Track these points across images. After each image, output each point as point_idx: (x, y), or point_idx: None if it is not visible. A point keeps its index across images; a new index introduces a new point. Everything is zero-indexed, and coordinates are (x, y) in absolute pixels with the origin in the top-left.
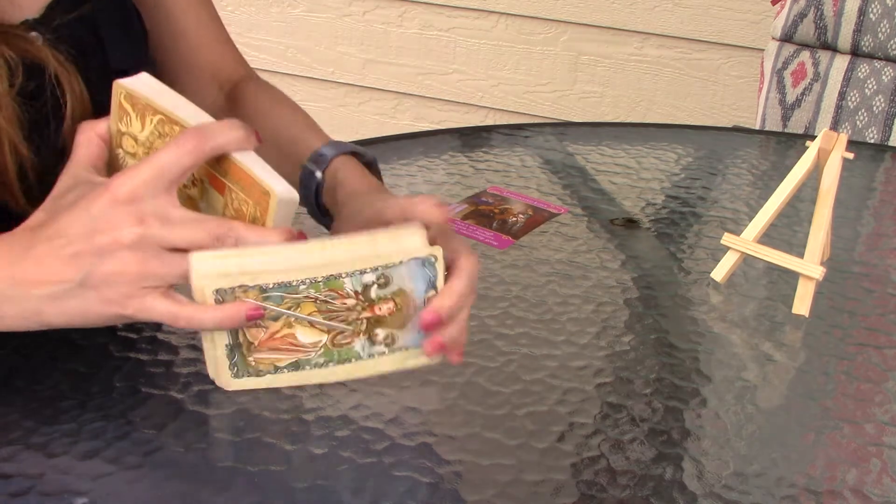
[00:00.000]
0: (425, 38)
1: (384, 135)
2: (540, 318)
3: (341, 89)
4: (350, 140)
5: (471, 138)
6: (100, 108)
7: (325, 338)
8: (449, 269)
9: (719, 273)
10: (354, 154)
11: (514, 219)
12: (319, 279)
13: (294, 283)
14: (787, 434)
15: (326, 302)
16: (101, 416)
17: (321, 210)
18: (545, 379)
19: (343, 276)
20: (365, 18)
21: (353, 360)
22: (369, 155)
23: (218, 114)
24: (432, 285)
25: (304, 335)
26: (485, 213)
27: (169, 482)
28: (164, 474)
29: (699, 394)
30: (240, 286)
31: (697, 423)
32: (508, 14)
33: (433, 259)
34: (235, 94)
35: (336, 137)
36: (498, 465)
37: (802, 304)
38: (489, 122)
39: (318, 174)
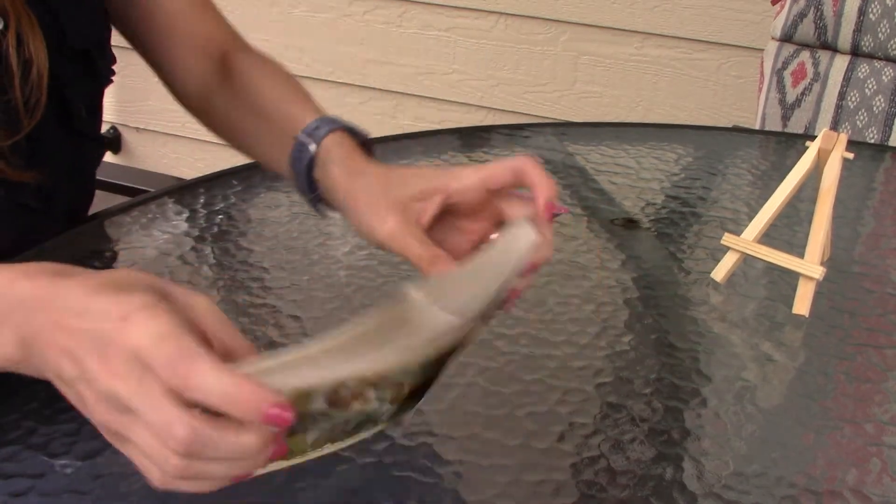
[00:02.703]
0: (425, 38)
1: (384, 135)
2: (540, 318)
3: (341, 89)
4: None
5: (470, 138)
6: (55, 83)
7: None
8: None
9: (719, 273)
10: (349, 131)
11: None
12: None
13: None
14: (787, 434)
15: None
16: None
17: (311, 185)
18: (545, 379)
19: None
20: (365, 18)
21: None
22: (362, 133)
23: (209, 86)
24: None
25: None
26: None
27: None
28: None
29: (699, 394)
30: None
31: (697, 423)
32: (508, 14)
33: None
34: (227, 64)
35: None
36: (498, 465)
37: (802, 304)
38: (489, 122)
39: (312, 147)
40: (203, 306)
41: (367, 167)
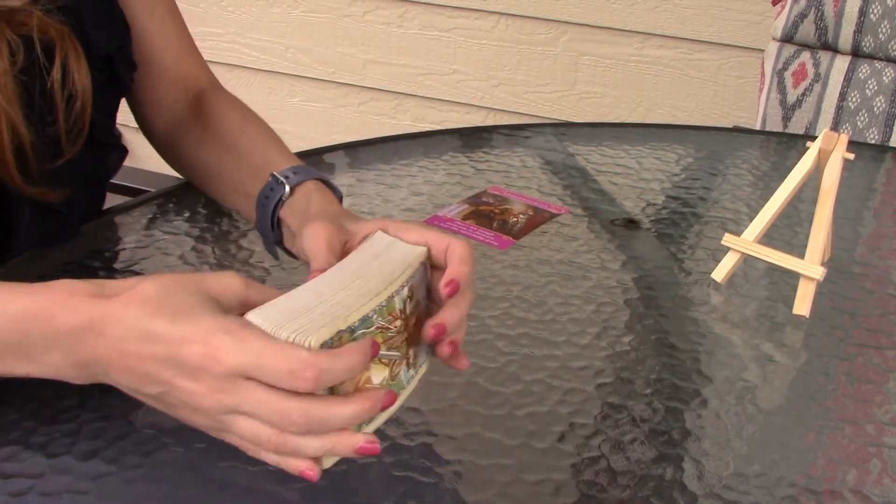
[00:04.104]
0: (425, 39)
1: (384, 135)
2: (540, 318)
3: (341, 89)
4: (350, 140)
5: (471, 139)
6: None
7: (387, 372)
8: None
9: (720, 273)
10: (327, 185)
11: (515, 219)
12: (384, 303)
13: (370, 315)
14: (788, 434)
15: (387, 329)
16: (101, 417)
17: (272, 223)
18: (545, 379)
19: (394, 294)
20: (365, 19)
21: (400, 391)
22: (339, 191)
23: (180, 119)
24: (427, 289)
25: (377, 375)
26: (485, 214)
27: (169, 482)
28: (164, 474)
29: (700, 394)
30: (337, 333)
31: (698, 424)
32: (509, 14)
33: (426, 264)
34: (201, 102)
35: (337, 138)
36: (498, 465)
37: (803, 304)
38: (489, 122)
39: (287, 188)
40: (235, 284)
41: (339, 213)
